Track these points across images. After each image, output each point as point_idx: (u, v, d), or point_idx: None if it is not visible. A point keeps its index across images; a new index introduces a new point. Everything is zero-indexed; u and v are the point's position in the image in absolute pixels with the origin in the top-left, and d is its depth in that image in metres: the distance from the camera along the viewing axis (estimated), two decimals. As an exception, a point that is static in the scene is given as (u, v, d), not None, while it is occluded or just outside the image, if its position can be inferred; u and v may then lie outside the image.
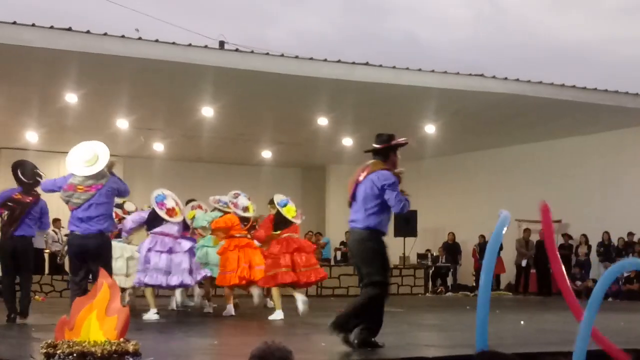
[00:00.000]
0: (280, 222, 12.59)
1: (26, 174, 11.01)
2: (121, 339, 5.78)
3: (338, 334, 7.86)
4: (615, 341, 6.65)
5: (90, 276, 9.45)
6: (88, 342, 5.68)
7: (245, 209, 13.65)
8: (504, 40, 34.35)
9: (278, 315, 12.22)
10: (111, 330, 5.83)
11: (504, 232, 4.72)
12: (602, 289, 4.94)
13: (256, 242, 13.35)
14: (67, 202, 9.65)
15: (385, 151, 8.50)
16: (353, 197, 8.24)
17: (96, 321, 5.86)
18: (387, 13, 36.84)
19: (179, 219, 12.84)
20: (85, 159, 9.56)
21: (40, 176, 11.05)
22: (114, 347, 5.66)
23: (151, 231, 12.64)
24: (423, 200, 24.34)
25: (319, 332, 9.92)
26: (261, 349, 3.64)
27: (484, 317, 4.63)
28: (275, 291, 12.59)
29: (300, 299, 12.36)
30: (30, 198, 10.91)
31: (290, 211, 12.73)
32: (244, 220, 13.47)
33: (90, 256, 9.43)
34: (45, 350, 5.63)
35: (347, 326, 7.89)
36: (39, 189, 11.00)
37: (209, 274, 13.40)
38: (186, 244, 12.80)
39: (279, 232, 12.58)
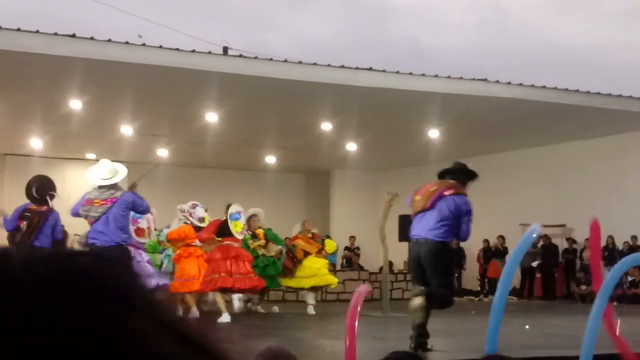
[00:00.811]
0: (225, 230, 13.50)
1: (39, 191, 11.30)
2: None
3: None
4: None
5: None
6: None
7: (202, 220, 14.17)
8: (508, 44, 34.41)
9: (225, 318, 12.68)
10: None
11: (530, 242, 4.71)
12: (610, 285, 4.93)
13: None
14: (85, 217, 10.02)
15: (464, 177, 9.11)
16: (429, 208, 8.70)
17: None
18: (390, 18, 36.91)
19: (145, 239, 13.72)
20: (106, 171, 10.08)
21: (53, 196, 11.38)
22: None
23: None
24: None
25: (324, 338, 9.94)
26: (265, 355, 3.64)
27: (496, 323, 4.62)
28: (218, 296, 13.33)
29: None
30: (45, 207, 11.19)
31: (237, 226, 13.74)
32: (198, 230, 14.04)
33: None
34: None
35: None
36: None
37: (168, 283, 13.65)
38: (145, 255, 13.43)
39: (221, 238, 13.46)
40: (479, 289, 23.15)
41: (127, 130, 19.69)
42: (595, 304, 4.55)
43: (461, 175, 9.11)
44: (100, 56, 14.40)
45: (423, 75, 16.98)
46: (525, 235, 4.66)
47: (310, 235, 16.21)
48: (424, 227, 8.60)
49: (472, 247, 24.12)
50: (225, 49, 18.03)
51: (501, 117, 19.34)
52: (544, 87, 17.99)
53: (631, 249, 20.76)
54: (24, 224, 11.13)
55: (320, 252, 16.10)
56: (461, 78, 17.33)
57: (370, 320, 13.12)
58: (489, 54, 33.17)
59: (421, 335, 8.60)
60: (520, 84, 17.78)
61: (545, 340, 8.88)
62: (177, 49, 15.04)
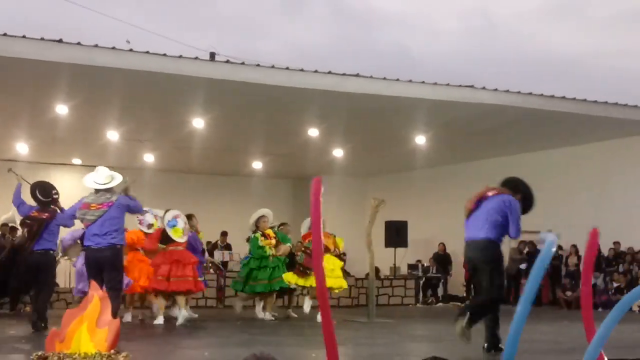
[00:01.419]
0: (166, 237, 13.75)
1: (43, 193, 11.93)
2: (112, 351, 5.79)
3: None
4: (605, 352, 6.66)
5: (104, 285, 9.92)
6: (79, 354, 5.68)
7: (150, 226, 14.61)
8: (495, 51, 34.49)
9: (159, 320, 13.50)
10: (102, 342, 5.84)
11: (551, 255, 4.74)
12: (619, 313, 4.93)
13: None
14: (82, 220, 10.71)
15: (517, 187, 9.68)
16: (474, 209, 9.17)
17: (87, 333, 5.86)
18: (378, 25, 36.96)
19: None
20: (103, 176, 10.72)
21: (57, 194, 12.10)
22: (104, 359, 5.66)
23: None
24: (414, 211, 24.41)
25: (310, 345, 9.93)
26: (251, 361, 3.63)
27: (516, 338, 4.64)
28: (154, 299, 14.10)
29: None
30: (47, 214, 11.75)
31: (176, 232, 13.82)
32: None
33: (104, 267, 10.41)
34: (36, 363, 5.63)
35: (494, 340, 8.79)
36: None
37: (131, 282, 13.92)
38: None
39: (165, 245, 13.78)
40: (464, 294, 23.16)
41: (113, 135, 19.64)
42: (518, 308, 4.57)
43: (511, 184, 9.74)
44: (87, 61, 14.35)
45: (410, 81, 16.99)
46: (547, 248, 4.66)
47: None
48: (472, 229, 8.99)
49: (458, 253, 24.12)
50: (213, 55, 17.98)
51: (488, 123, 19.38)
52: (530, 93, 18.03)
53: (617, 255, 20.84)
54: (25, 231, 11.87)
55: (334, 250, 15.20)
56: (448, 84, 17.35)
57: (356, 326, 13.12)
58: (476, 61, 33.25)
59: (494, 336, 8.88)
60: (507, 91, 17.81)
61: (529, 346, 8.88)
62: (164, 55, 15.01)
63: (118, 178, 10.87)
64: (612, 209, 20.87)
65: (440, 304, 22.86)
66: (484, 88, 17.61)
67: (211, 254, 21.17)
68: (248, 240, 15.40)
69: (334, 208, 23.40)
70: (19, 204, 12.05)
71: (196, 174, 26.25)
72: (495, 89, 17.70)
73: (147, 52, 14.84)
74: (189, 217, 14.87)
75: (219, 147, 21.97)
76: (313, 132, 19.59)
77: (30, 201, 12.18)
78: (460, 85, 17.45)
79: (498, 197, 9.03)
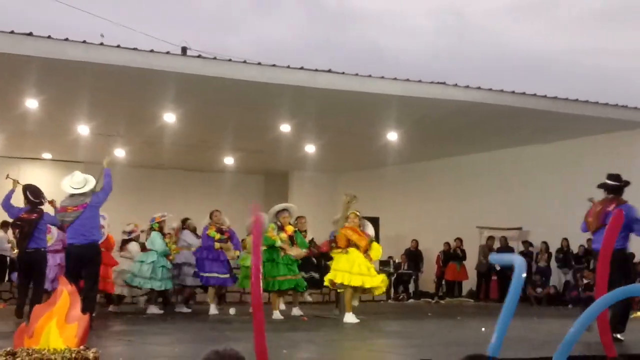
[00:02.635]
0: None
1: (34, 194, 12.69)
2: (81, 347, 5.74)
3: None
4: (574, 349, 6.69)
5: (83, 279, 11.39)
6: (48, 350, 5.63)
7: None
8: (467, 49, 34.62)
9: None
10: (71, 337, 5.79)
11: (522, 278, 4.80)
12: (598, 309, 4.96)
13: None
14: (62, 222, 11.71)
15: (620, 189, 11.31)
16: (602, 224, 10.48)
17: (56, 329, 5.81)
18: (350, 22, 36.98)
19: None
20: (77, 181, 11.49)
21: (44, 197, 12.96)
22: (73, 355, 5.61)
23: None
24: (386, 207, 24.45)
25: (281, 340, 9.91)
26: (212, 357, 3.60)
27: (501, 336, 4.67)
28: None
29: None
30: (35, 215, 12.60)
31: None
32: None
33: (84, 263, 11.30)
34: (4, 358, 5.57)
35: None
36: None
37: None
38: None
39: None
40: (435, 291, 23.24)
41: (83, 130, 19.52)
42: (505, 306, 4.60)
43: (615, 188, 11.31)
44: (57, 55, 14.24)
45: (382, 77, 17.00)
46: (517, 274, 4.71)
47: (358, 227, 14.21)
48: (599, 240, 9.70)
49: (429, 249, 24.26)
50: (184, 50, 17.92)
51: (459, 120, 19.44)
52: (501, 90, 18.09)
53: (587, 252, 20.95)
54: (17, 232, 12.89)
55: (366, 252, 13.89)
56: (420, 81, 17.36)
57: (327, 322, 13.12)
58: (448, 58, 33.37)
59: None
60: (479, 88, 17.87)
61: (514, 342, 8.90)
62: (135, 49, 14.92)
63: (92, 181, 11.63)
64: (583, 207, 20.95)
65: (411, 300, 22.89)
66: (455, 85, 17.65)
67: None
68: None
69: (306, 204, 23.39)
70: (8, 207, 12.73)
71: (167, 170, 26.16)
72: (467, 86, 17.75)
73: (118, 46, 14.74)
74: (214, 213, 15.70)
75: (190, 143, 21.88)
76: (285, 128, 19.56)
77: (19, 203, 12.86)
78: (432, 82, 17.47)
79: (620, 210, 9.32)
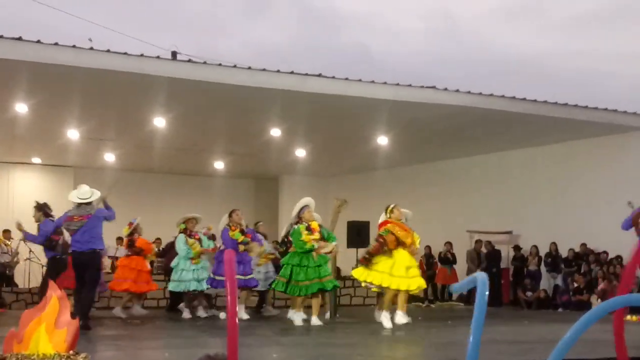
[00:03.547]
0: None
1: (49, 208, 14.07)
2: (71, 352, 5.74)
3: None
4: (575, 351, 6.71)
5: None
6: (37, 355, 5.62)
7: None
8: (457, 53, 34.66)
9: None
10: (60, 342, 5.78)
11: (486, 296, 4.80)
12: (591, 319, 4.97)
13: None
14: (67, 230, 12.79)
15: None
16: None
17: (45, 334, 5.80)
18: (340, 26, 36.98)
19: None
20: (83, 192, 12.53)
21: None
22: (63, 360, 5.60)
23: None
24: (376, 211, 24.38)
25: (272, 344, 9.91)
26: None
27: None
28: None
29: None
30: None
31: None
32: None
33: (86, 268, 12.29)
34: (-8, 364, 5.56)
35: None
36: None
37: None
38: None
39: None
40: (424, 295, 23.21)
41: (73, 134, 19.49)
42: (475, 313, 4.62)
43: None
44: (47, 60, 14.21)
45: (372, 82, 17.02)
46: (480, 290, 4.71)
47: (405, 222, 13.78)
48: None
49: (424, 252, 24.26)
50: (174, 54, 17.88)
51: (449, 124, 19.48)
52: (491, 95, 18.14)
53: (577, 256, 21.00)
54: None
55: (411, 245, 13.45)
56: (410, 85, 17.39)
57: (317, 326, 13.10)
58: (438, 62, 33.38)
59: None
60: (469, 92, 17.90)
61: (488, 346, 8.94)
62: (125, 53, 14.91)
63: (96, 193, 12.66)
64: (572, 210, 21.06)
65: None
66: (445, 89, 17.68)
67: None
68: (288, 233, 14.43)
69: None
70: (45, 235, 13.74)
71: (157, 174, 26.14)
72: (457, 90, 17.78)
73: (108, 51, 14.72)
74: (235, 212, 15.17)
75: (180, 147, 21.87)
76: (275, 132, 19.56)
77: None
78: (422, 86, 17.51)
79: None
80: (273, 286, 14.44)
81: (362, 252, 14.14)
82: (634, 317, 15.16)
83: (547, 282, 21.47)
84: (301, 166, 24.52)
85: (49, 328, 5.83)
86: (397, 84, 17.23)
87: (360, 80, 16.90)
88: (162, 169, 25.74)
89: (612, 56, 31.72)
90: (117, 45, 15.25)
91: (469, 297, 22.61)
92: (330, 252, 13.80)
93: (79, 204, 12.47)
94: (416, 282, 13.02)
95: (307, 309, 13.82)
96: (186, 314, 15.42)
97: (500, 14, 34.89)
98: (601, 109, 19.40)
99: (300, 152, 22.37)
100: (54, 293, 6.05)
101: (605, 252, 20.11)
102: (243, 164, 24.89)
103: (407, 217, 14.37)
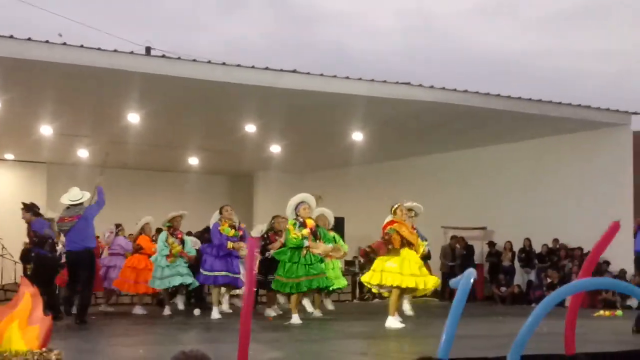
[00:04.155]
0: None
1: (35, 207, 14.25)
2: (43, 349, 5.70)
3: None
4: (539, 347, 6.76)
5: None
6: (9, 352, 5.58)
7: None
8: (432, 50, 34.79)
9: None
10: (33, 339, 5.74)
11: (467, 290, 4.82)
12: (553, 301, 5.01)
13: None
14: (60, 231, 13.59)
15: None
16: None
17: (18, 331, 5.76)
18: (316, 22, 37.01)
19: None
20: (74, 194, 13.16)
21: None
22: (35, 357, 5.58)
23: None
24: (351, 207, 24.45)
25: (255, 341, 9.88)
26: (180, 357, 3.59)
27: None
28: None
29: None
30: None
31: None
32: None
33: (79, 267, 12.95)
34: (-36, 362, 5.52)
35: None
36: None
37: None
38: None
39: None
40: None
41: (46, 130, 19.36)
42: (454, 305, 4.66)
43: None
44: (20, 55, 14.11)
45: (347, 78, 17.02)
46: (464, 280, 4.73)
47: (411, 224, 13.28)
48: None
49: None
50: (148, 49, 17.83)
51: (424, 120, 19.51)
52: (466, 91, 18.18)
53: (550, 251, 21.11)
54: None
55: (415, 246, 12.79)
56: (385, 81, 17.40)
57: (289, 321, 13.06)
58: (413, 59, 33.50)
59: None
60: (443, 88, 17.93)
61: (464, 341, 8.96)
62: (98, 49, 14.82)
63: (87, 195, 13.23)
64: (546, 206, 21.16)
65: (376, 300, 22.91)
66: (420, 85, 17.71)
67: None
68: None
69: (271, 204, 23.41)
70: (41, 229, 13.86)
71: (131, 170, 26.00)
72: (432, 86, 17.82)
73: (82, 46, 14.64)
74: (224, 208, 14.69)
75: (154, 143, 21.78)
76: (250, 128, 19.53)
77: None
78: (397, 82, 17.51)
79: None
80: (272, 286, 13.84)
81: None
82: (607, 312, 15.28)
83: (521, 277, 21.58)
84: (276, 162, 24.49)
85: (21, 325, 5.79)
86: (372, 80, 17.23)
87: (335, 76, 16.89)
88: (136, 165, 25.62)
89: (585, 54, 31.93)
90: (91, 40, 15.18)
91: (443, 293, 22.68)
92: (342, 256, 14.18)
93: (69, 206, 13.09)
94: (432, 280, 12.50)
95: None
96: (167, 311, 15.28)
97: (476, 13, 35.05)
98: (574, 105, 19.51)
99: (275, 148, 22.33)
100: (27, 290, 6.01)
101: (580, 248, 20.23)
102: (218, 160, 24.83)
103: (418, 211, 14.26)
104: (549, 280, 20.06)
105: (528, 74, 30.53)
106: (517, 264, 21.68)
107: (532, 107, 19.07)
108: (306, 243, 12.88)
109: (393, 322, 11.90)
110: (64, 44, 14.65)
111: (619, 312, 15.21)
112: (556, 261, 20.78)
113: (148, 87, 16.19)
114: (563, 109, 19.46)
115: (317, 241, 13.19)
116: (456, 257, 22.31)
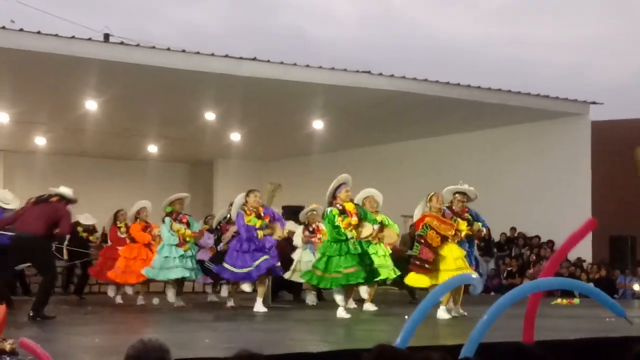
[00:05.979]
0: None
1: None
2: (-4, 339, 5.63)
3: None
4: (498, 335, 6.77)
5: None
6: (-38, 343, 5.50)
7: None
8: (391, 38, 34.84)
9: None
10: (-14, 329, 5.67)
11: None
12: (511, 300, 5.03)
13: None
14: None
15: None
16: None
17: (-29, 321, 5.69)
18: (275, 9, 36.91)
19: None
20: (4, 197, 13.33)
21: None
22: (-12, 347, 5.50)
23: None
24: (312, 196, 24.38)
25: (205, 329, 9.85)
26: (137, 348, 3.57)
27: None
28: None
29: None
30: None
31: None
32: None
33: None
34: None
35: None
36: None
37: None
38: None
39: None
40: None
41: (3, 117, 19.12)
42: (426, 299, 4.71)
43: None
44: (-26, 41, 13.95)
45: (307, 66, 17.00)
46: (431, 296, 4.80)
47: (441, 213, 12.51)
48: None
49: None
50: (107, 36, 17.64)
51: (384, 109, 19.53)
52: (426, 80, 18.23)
53: (508, 240, 21.25)
54: None
55: (455, 235, 12.26)
56: (345, 70, 17.41)
57: (252, 312, 13.04)
58: (373, 48, 33.53)
59: None
60: (403, 77, 17.97)
61: (423, 330, 8.99)
62: (56, 35, 14.66)
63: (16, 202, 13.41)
64: (504, 195, 21.28)
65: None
66: (380, 74, 17.73)
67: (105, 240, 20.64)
68: (323, 215, 12.85)
69: (231, 192, 23.37)
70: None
71: (90, 157, 25.76)
72: (392, 75, 17.85)
73: (39, 33, 14.47)
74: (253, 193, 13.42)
75: (112, 130, 21.59)
76: (210, 116, 19.42)
77: None
78: (357, 71, 17.53)
79: None
80: (305, 279, 13.07)
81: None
82: (564, 301, 15.40)
83: (480, 266, 21.69)
84: (236, 150, 24.39)
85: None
86: (333, 68, 17.24)
87: (295, 64, 16.87)
88: (95, 152, 25.38)
89: (543, 44, 32.15)
90: (48, 26, 14.99)
91: (402, 282, 22.75)
92: (369, 236, 12.27)
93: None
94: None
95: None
96: (179, 302, 14.36)
97: (435, 2, 35.12)
98: (533, 94, 19.66)
99: (235, 136, 22.25)
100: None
101: (538, 237, 20.37)
102: (177, 147, 24.68)
103: (472, 195, 13.36)
104: (508, 268, 20.20)
105: (488, 63, 30.70)
106: (476, 252, 21.76)
107: (492, 96, 19.18)
108: (349, 235, 11.73)
109: (444, 313, 11.39)
110: (21, 30, 14.47)
111: (576, 301, 15.31)
112: (514, 249, 20.93)
113: (106, 74, 16.04)
114: (522, 98, 19.59)
115: (360, 224, 12.03)
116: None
